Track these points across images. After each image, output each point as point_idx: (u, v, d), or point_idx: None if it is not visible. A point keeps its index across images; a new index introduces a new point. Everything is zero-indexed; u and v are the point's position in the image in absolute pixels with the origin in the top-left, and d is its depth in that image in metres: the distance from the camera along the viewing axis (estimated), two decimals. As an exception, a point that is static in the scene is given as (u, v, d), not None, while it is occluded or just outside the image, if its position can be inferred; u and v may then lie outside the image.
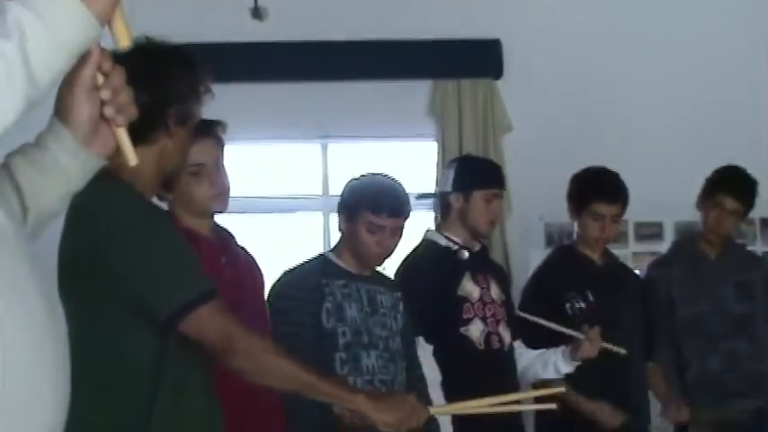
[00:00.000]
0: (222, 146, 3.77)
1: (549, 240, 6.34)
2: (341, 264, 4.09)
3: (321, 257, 4.18)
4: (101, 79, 1.76)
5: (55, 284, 1.80)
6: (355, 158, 6.62)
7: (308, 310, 3.94)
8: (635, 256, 6.45)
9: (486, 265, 4.60)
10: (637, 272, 5.39)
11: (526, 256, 6.09)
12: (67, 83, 1.77)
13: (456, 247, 4.55)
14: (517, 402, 3.70)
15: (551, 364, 4.58)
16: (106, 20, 1.68)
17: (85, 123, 1.80)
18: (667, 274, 5.19)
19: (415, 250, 4.62)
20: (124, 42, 1.76)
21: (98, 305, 2.70)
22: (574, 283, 4.86)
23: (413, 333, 4.25)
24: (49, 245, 2.19)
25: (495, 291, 4.57)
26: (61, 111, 1.81)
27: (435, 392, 4.21)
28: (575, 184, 4.92)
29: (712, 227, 5.12)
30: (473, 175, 4.66)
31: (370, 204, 4.00)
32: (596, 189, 4.83)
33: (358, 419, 3.08)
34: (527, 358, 4.64)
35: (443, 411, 3.36)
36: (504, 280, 4.71)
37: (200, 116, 2.93)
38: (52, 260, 2.58)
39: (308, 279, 4.04)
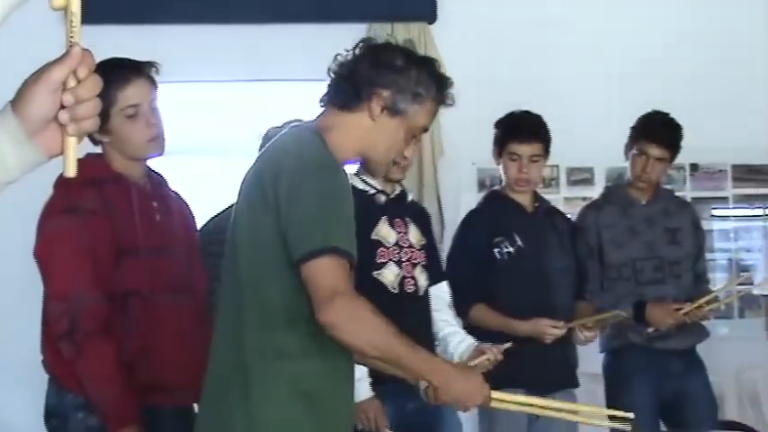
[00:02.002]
0: (155, 87, 3.76)
1: (482, 185, 6.41)
2: None
3: None
4: (72, 83, 1.66)
5: None
6: (291, 100, 6.59)
7: None
8: (566, 201, 6.51)
9: (405, 210, 4.57)
10: (569, 216, 5.43)
11: (458, 200, 6.13)
12: (37, 75, 1.68)
13: (373, 192, 4.55)
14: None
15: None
16: None
17: (36, 121, 1.70)
18: (598, 218, 5.24)
19: None
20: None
21: (265, 236, 2.87)
22: (502, 228, 4.90)
23: None
24: None
25: (413, 235, 4.53)
26: (18, 99, 1.72)
27: None
28: (496, 127, 4.97)
29: (639, 174, 5.18)
30: None
31: None
32: (512, 129, 4.89)
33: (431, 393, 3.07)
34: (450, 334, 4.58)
35: (501, 399, 3.34)
36: (426, 224, 4.68)
37: (418, 123, 3.09)
38: None
39: None
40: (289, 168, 2.84)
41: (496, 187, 5.24)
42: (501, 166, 4.97)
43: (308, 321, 2.84)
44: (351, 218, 2.96)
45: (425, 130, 3.15)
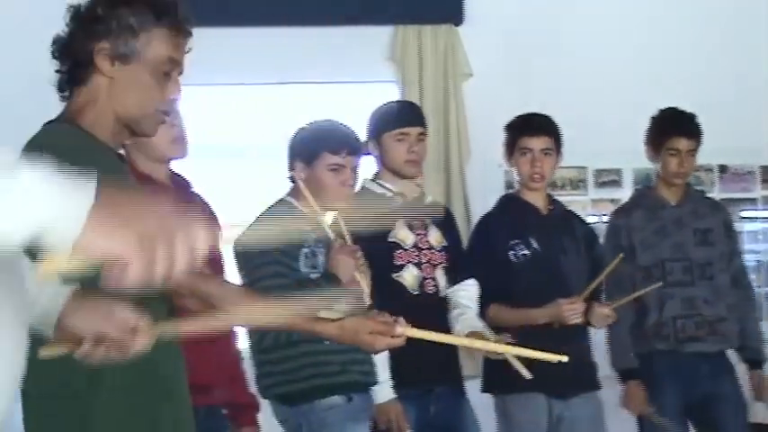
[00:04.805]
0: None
1: (509, 187, 6.33)
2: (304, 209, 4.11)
3: (284, 202, 4.19)
4: None
5: None
6: (317, 103, 6.59)
7: (289, 254, 3.99)
8: (594, 203, 6.49)
9: (425, 212, 4.59)
10: (588, 219, 5.40)
11: (485, 202, 6.08)
12: None
13: (390, 195, 4.55)
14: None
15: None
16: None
17: None
18: (628, 221, 5.22)
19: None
20: None
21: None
22: (517, 230, 4.88)
23: None
24: None
25: (434, 236, 4.57)
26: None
27: None
28: (506, 130, 4.98)
29: (677, 171, 5.16)
30: (377, 120, 4.67)
31: (329, 145, 4.07)
32: (521, 126, 4.91)
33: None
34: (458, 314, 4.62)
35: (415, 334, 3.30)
36: (448, 225, 4.70)
37: (159, 57, 2.72)
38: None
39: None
40: None
41: (510, 191, 5.22)
42: (514, 167, 4.96)
43: None
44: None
45: (177, 62, 2.77)
